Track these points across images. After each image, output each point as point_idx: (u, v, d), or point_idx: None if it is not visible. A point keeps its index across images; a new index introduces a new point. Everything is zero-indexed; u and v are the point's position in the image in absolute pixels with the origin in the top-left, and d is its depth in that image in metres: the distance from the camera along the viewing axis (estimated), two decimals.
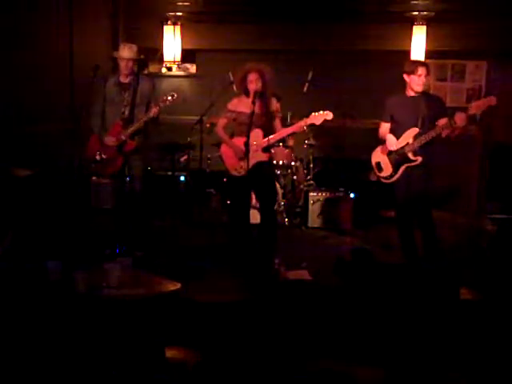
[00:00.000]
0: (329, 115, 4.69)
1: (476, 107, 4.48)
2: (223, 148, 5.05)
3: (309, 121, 4.71)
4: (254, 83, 4.72)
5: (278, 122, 4.91)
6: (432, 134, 4.59)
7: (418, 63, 4.76)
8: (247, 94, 4.79)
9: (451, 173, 6.62)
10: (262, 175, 4.92)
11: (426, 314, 3.81)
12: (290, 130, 4.84)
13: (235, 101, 4.94)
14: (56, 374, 3.05)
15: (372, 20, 6.99)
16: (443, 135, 4.59)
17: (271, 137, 4.81)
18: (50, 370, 3.06)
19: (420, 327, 3.69)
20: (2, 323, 3.19)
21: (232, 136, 4.99)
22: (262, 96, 4.74)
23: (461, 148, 6.37)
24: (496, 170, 6.76)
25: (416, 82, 4.67)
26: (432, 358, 3.43)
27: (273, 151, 5.26)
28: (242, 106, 4.80)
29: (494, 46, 6.79)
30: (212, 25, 7.37)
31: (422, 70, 4.64)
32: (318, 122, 4.71)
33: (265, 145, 4.81)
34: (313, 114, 4.72)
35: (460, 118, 4.47)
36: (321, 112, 4.70)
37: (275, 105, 4.91)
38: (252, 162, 4.77)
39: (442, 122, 4.60)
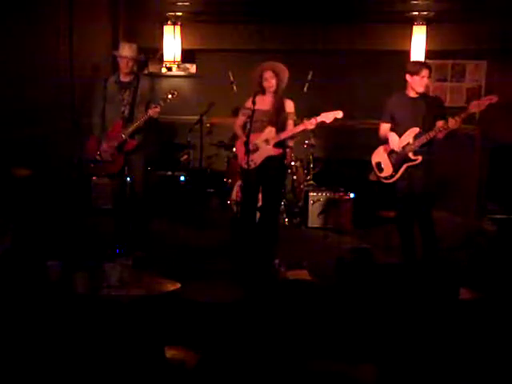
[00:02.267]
0: (339, 114, 4.76)
1: (475, 106, 4.45)
2: (238, 144, 5.15)
3: (319, 118, 4.78)
4: (268, 81, 4.85)
5: (290, 123, 4.96)
6: (432, 134, 4.59)
7: (422, 65, 4.75)
8: (263, 91, 4.91)
9: (451, 172, 6.61)
10: (272, 169, 4.96)
11: (426, 314, 3.81)
12: (300, 127, 4.86)
13: (252, 98, 4.97)
14: (56, 374, 3.05)
15: (372, 20, 7.01)
16: (439, 137, 4.59)
17: (282, 133, 4.88)
18: (50, 369, 3.06)
19: (420, 327, 3.69)
20: (2, 323, 3.19)
21: (250, 132, 5.00)
22: (275, 94, 4.89)
23: (460, 148, 6.37)
24: (496, 170, 6.76)
25: (418, 83, 4.67)
26: (431, 358, 3.43)
27: (287, 150, 5.26)
28: (259, 103, 4.86)
29: (494, 46, 6.79)
30: (212, 25, 7.38)
31: (425, 72, 4.64)
32: (328, 121, 4.79)
33: (276, 140, 4.87)
34: (324, 112, 4.78)
35: (452, 123, 4.47)
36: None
37: (291, 107, 4.97)
38: (263, 156, 4.89)
39: (440, 123, 4.61)
